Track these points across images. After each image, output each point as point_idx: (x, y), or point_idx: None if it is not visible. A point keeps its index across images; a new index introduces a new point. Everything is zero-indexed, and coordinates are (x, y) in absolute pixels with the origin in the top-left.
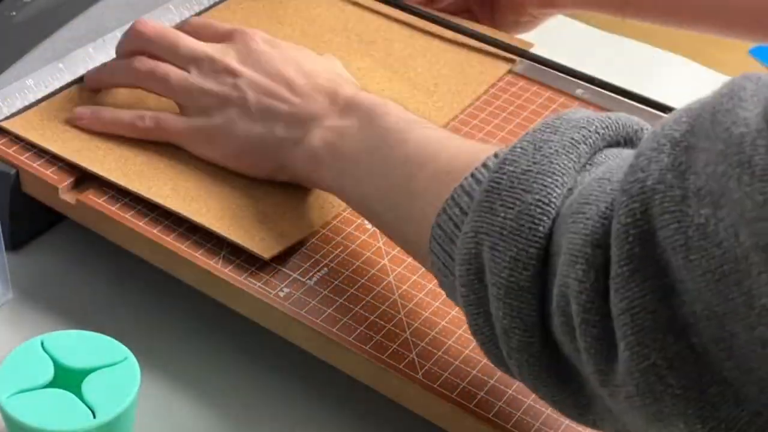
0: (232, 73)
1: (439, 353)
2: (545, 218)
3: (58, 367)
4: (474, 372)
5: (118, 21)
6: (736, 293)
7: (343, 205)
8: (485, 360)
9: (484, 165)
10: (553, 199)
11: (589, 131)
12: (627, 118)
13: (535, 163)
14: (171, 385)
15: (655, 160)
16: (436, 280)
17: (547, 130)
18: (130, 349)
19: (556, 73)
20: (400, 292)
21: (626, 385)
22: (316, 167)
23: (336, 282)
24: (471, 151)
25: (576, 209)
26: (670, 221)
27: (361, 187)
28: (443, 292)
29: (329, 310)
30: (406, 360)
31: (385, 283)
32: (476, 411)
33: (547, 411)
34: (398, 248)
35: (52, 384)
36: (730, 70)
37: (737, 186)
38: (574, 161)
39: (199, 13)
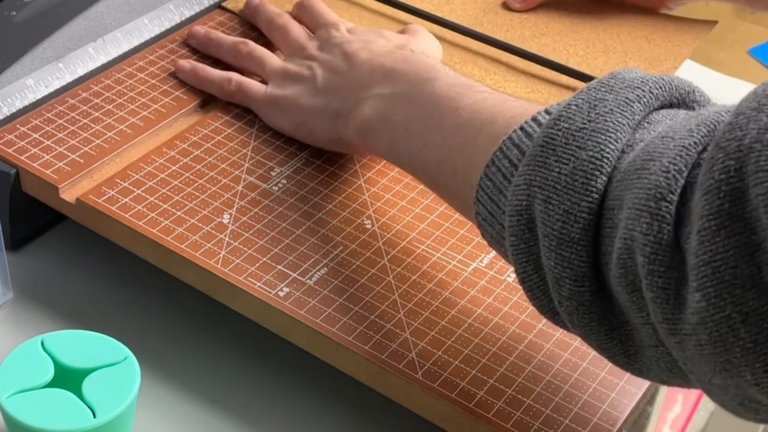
0: (311, 58)
1: (439, 353)
2: (598, 173)
3: (58, 366)
4: (474, 372)
5: (118, 21)
6: None
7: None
8: (485, 360)
9: (534, 119)
10: (607, 155)
11: (643, 91)
12: (679, 80)
13: (590, 121)
14: (171, 385)
15: (755, 119)
16: (436, 279)
17: (602, 88)
18: (130, 349)
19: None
20: (399, 292)
21: (697, 334)
22: (369, 137)
23: (336, 282)
24: (526, 112)
25: (639, 165)
26: (764, 179)
27: (418, 155)
28: (443, 292)
29: (329, 310)
30: (406, 360)
31: (384, 283)
32: (476, 411)
33: (547, 411)
34: (398, 248)
35: (52, 384)
36: (729, 69)
37: None
38: (629, 119)
39: (199, 13)
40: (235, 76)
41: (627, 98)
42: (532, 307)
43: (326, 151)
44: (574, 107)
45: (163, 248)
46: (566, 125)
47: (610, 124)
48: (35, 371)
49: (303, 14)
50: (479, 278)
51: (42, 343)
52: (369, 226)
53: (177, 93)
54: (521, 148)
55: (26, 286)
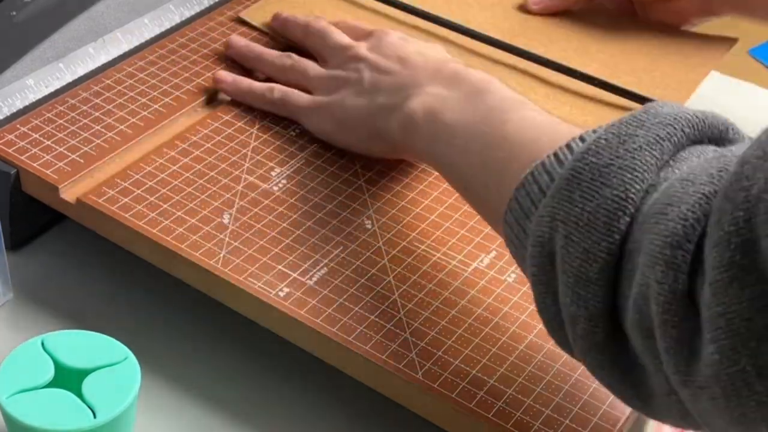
0: (359, 58)
1: (439, 353)
2: (621, 213)
3: (59, 367)
4: (474, 372)
5: (118, 21)
6: None
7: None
8: (485, 360)
9: (568, 146)
10: (631, 195)
11: (675, 129)
12: (714, 116)
13: (617, 157)
14: (171, 385)
15: (761, 168)
16: (436, 279)
17: (633, 123)
18: (130, 349)
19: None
20: (400, 292)
21: (711, 387)
22: (411, 131)
23: (336, 282)
24: (568, 135)
25: (658, 210)
26: None
27: (455, 159)
28: (443, 292)
29: (329, 310)
30: (406, 360)
31: (385, 283)
32: (476, 411)
33: (548, 411)
34: (398, 248)
35: (52, 384)
36: (729, 69)
37: None
38: (657, 158)
39: (199, 14)
40: (277, 86)
41: (657, 135)
42: (532, 307)
43: (326, 151)
44: (603, 141)
45: (163, 248)
46: (594, 159)
47: (638, 163)
48: (35, 371)
49: (341, 29)
50: (479, 278)
51: (42, 343)
52: (369, 226)
53: (177, 93)
54: (552, 175)
55: (26, 286)
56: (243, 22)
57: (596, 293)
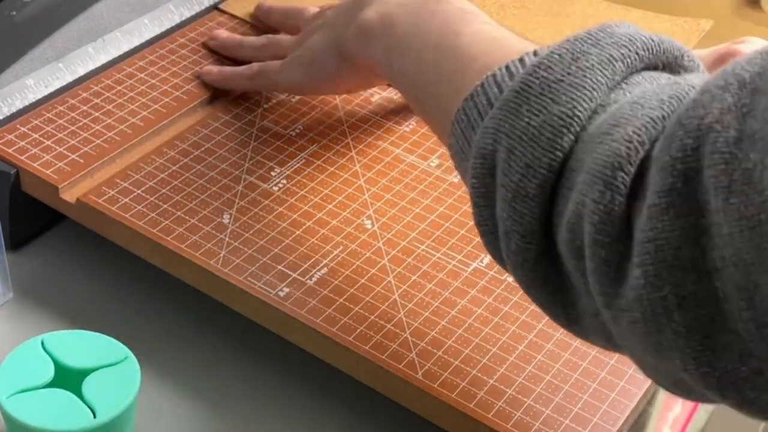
0: (323, 12)
1: (439, 353)
2: (566, 131)
3: (58, 366)
4: (474, 372)
5: (118, 21)
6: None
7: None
8: (485, 360)
9: (521, 60)
10: (578, 113)
11: (629, 50)
12: (670, 42)
13: (568, 74)
14: (171, 385)
15: (719, 98)
16: (436, 279)
17: (588, 41)
18: (130, 349)
19: None
20: (400, 292)
21: (632, 311)
22: (367, 40)
23: (336, 282)
24: (521, 50)
25: (605, 130)
26: (719, 161)
27: (408, 70)
28: (443, 292)
29: (329, 310)
30: (406, 360)
31: (385, 283)
32: (476, 411)
33: (548, 411)
34: (398, 248)
35: (52, 384)
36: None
37: None
38: (608, 78)
39: (199, 14)
40: (255, 63)
41: (611, 56)
42: (532, 307)
43: (326, 150)
44: (556, 56)
45: (163, 248)
46: (545, 74)
47: (588, 81)
48: (35, 371)
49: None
50: (479, 278)
51: (42, 343)
52: (369, 226)
53: (177, 93)
54: (501, 88)
55: (26, 286)
56: (224, 13)
57: (532, 209)
